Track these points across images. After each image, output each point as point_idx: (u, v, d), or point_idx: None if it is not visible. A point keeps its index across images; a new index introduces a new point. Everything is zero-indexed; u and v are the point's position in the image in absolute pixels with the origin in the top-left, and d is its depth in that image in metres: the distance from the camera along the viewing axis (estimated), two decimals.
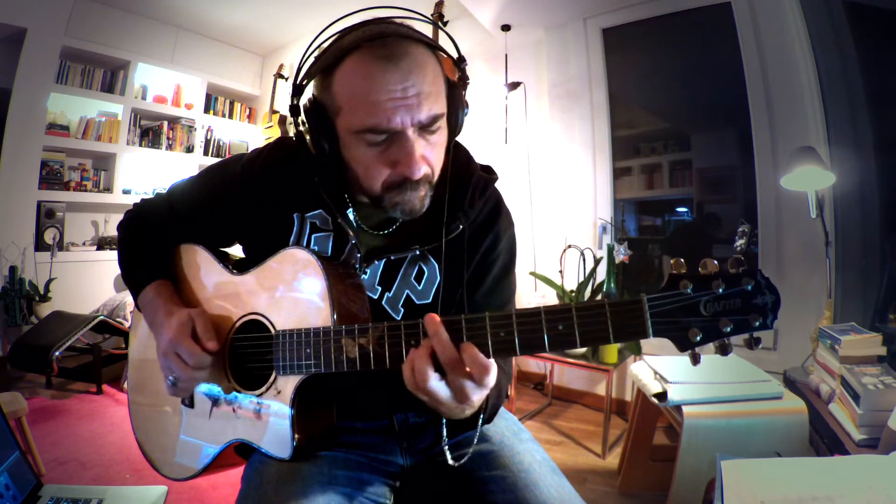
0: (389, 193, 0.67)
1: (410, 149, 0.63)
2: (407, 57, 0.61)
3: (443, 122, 0.67)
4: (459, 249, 0.75)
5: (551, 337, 0.53)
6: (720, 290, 0.49)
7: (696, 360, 0.51)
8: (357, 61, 0.62)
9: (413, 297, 0.76)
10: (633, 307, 0.51)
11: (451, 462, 0.67)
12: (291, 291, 0.69)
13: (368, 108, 0.61)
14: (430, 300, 0.76)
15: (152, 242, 0.83)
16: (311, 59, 0.69)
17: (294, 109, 0.70)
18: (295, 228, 0.76)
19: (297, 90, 0.70)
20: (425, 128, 0.64)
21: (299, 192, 0.75)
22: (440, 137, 0.68)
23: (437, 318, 0.56)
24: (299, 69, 0.70)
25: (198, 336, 0.70)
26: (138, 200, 0.88)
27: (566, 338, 0.53)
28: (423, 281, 0.76)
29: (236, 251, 0.87)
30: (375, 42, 0.62)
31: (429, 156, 0.66)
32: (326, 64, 0.65)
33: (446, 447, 0.68)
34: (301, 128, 0.70)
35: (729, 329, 0.49)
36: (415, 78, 0.61)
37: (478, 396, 0.58)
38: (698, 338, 0.50)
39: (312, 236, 0.75)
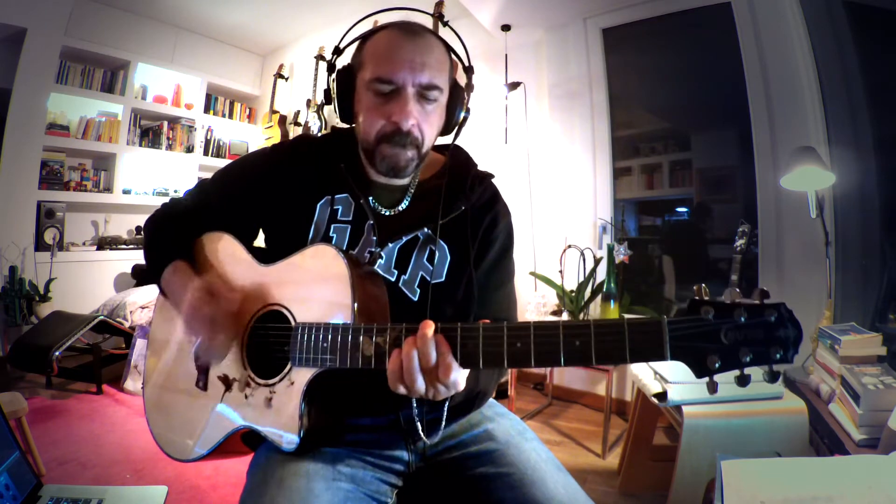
0: (381, 146, 0.76)
1: (405, 101, 0.74)
2: (422, 38, 0.76)
3: (440, 97, 0.78)
4: (463, 229, 0.82)
5: (567, 352, 0.54)
6: (742, 319, 0.49)
7: (713, 388, 0.50)
8: (386, 33, 0.77)
9: (427, 278, 0.80)
10: (652, 328, 0.51)
11: (422, 436, 0.71)
12: (316, 286, 0.71)
13: (382, 62, 0.74)
14: (443, 278, 0.80)
15: (176, 233, 0.85)
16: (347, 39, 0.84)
17: (331, 67, 0.83)
18: (317, 215, 0.81)
19: (337, 51, 0.85)
20: (423, 94, 0.75)
21: (326, 178, 0.83)
22: (434, 110, 0.78)
23: (430, 329, 0.59)
24: (342, 38, 0.86)
25: (217, 295, 0.73)
26: (167, 200, 0.91)
27: (582, 354, 0.53)
28: (435, 261, 0.80)
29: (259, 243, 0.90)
30: (405, 25, 0.77)
31: (421, 119, 0.76)
32: (363, 36, 0.80)
33: (419, 423, 0.73)
34: (332, 84, 0.82)
35: (748, 359, 0.49)
36: (424, 52, 0.75)
37: (463, 382, 0.62)
38: (717, 365, 0.49)
39: (332, 226, 0.80)
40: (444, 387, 0.60)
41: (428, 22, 0.86)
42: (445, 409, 0.71)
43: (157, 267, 0.82)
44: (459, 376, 0.60)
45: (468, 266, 0.81)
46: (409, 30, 0.76)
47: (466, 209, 0.82)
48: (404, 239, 0.80)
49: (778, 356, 0.49)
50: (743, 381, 0.50)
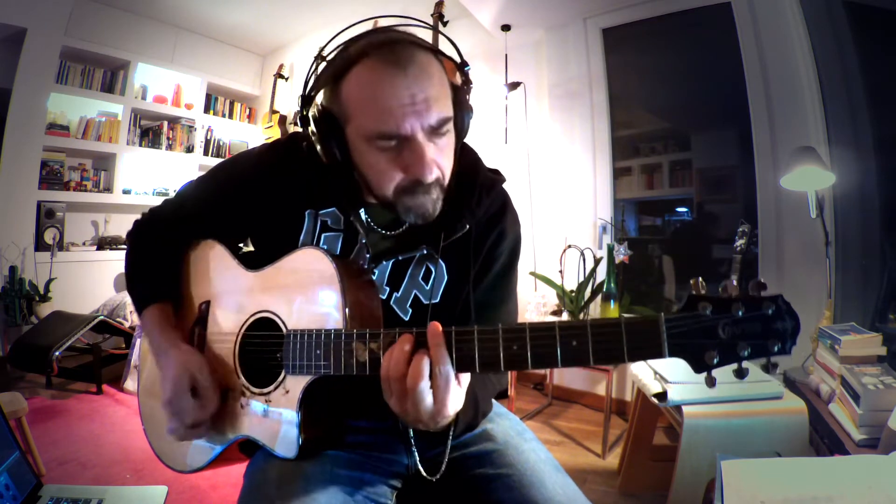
0: (402, 198, 0.67)
1: (421, 153, 0.64)
2: (414, 63, 0.63)
3: (450, 126, 0.68)
4: (466, 248, 0.76)
5: (564, 353, 0.53)
6: (739, 314, 0.49)
7: (711, 382, 0.50)
8: (366, 68, 0.63)
9: (421, 297, 0.77)
10: (649, 326, 0.50)
11: (425, 475, 0.69)
12: (305, 291, 0.69)
13: (379, 115, 0.63)
14: (438, 300, 0.77)
15: (158, 255, 0.82)
16: (318, 71, 0.71)
17: (304, 120, 0.71)
18: (306, 226, 0.76)
19: (306, 101, 0.71)
20: (434, 131, 0.65)
21: (312, 189, 0.76)
22: (448, 140, 0.69)
23: (439, 329, 0.57)
24: (307, 81, 0.71)
25: (198, 393, 0.70)
26: (147, 210, 0.88)
27: (579, 354, 0.52)
28: (431, 281, 0.77)
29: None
30: (383, 49, 0.63)
31: (439, 159, 0.67)
32: (334, 73, 0.67)
33: (419, 462, 0.71)
34: (312, 138, 0.70)
35: (746, 353, 0.48)
36: (422, 83, 0.63)
37: (453, 409, 0.59)
38: (715, 360, 0.49)
39: (322, 235, 0.76)
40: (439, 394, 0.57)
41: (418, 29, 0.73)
42: (448, 445, 0.69)
43: (138, 301, 0.80)
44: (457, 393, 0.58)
45: (466, 286, 0.76)
46: (395, 60, 0.62)
47: (471, 227, 0.75)
48: (400, 257, 0.76)
49: (776, 349, 0.48)
50: (740, 373, 0.50)
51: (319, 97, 0.71)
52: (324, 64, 0.70)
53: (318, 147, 0.70)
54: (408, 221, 0.71)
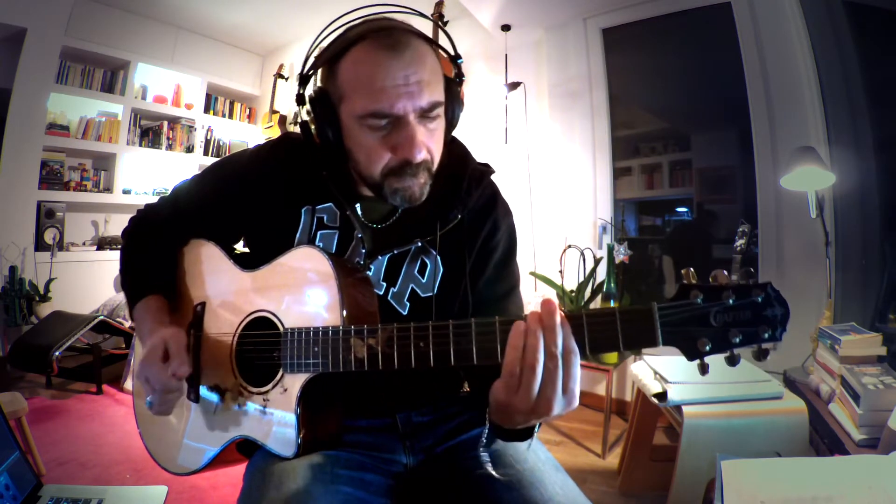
0: (389, 179, 0.68)
1: (412, 133, 0.65)
2: (409, 48, 0.65)
3: (441, 111, 0.69)
4: (460, 239, 0.77)
5: None
6: (730, 301, 0.50)
7: (704, 370, 0.51)
8: (362, 50, 0.65)
9: (418, 291, 0.77)
10: (643, 315, 0.51)
11: (493, 473, 0.67)
12: (302, 290, 0.69)
13: (372, 94, 0.64)
14: (435, 292, 0.77)
15: (152, 252, 0.82)
16: (317, 51, 0.73)
17: (300, 99, 0.72)
18: (303, 223, 0.77)
19: (304, 80, 0.73)
20: (425, 114, 0.66)
21: (308, 186, 0.77)
22: (439, 126, 0.70)
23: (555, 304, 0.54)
24: (306, 60, 0.73)
25: (168, 358, 0.68)
26: (142, 206, 0.88)
27: (577, 345, 0.53)
28: (427, 274, 0.77)
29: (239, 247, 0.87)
30: (381, 33, 0.65)
31: (428, 142, 0.68)
32: (332, 54, 0.69)
33: (487, 460, 0.69)
34: (306, 117, 0.73)
35: (738, 340, 0.49)
36: (416, 67, 0.64)
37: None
38: (707, 347, 0.50)
39: (318, 233, 0.77)
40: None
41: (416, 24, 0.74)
42: (536, 429, 0.65)
43: (132, 295, 0.80)
44: None
45: (464, 278, 0.77)
46: (391, 43, 0.64)
47: (463, 216, 0.77)
48: (396, 251, 0.76)
49: (766, 335, 0.49)
50: (732, 360, 0.51)
51: (316, 79, 0.73)
52: (324, 44, 0.71)
53: (313, 127, 0.71)
54: (394, 204, 0.72)
